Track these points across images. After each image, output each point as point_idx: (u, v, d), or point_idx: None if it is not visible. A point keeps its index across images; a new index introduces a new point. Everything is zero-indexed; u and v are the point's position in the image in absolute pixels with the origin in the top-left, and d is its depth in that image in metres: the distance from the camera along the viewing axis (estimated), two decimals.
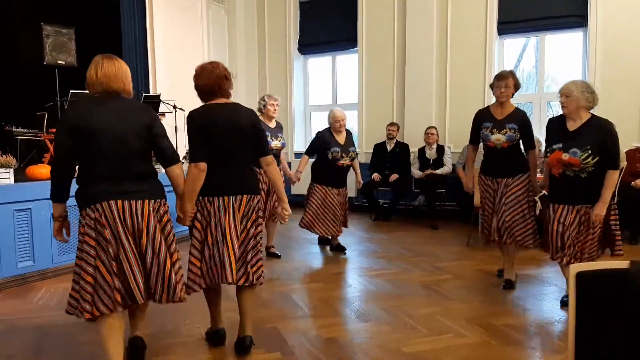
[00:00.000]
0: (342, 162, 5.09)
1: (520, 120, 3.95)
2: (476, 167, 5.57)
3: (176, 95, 7.07)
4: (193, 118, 2.80)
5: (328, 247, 5.51)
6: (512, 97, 3.99)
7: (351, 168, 5.27)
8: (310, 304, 3.77)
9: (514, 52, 8.00)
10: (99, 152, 2.49)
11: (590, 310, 1.48)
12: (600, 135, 3.35)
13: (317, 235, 5.60)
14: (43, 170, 4.72)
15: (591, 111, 3.54)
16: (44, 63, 7.02)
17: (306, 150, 5.33)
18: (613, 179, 3.36)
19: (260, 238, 2.95)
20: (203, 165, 2.74)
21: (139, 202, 2.54)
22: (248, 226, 2.86)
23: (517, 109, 4.03)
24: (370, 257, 5.17)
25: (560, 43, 7.30)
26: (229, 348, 2.98)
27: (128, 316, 2.82)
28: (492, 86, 4.01)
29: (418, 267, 4.73)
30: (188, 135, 2.81)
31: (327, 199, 5.12)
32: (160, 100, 6.79)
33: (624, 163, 5.54)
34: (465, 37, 7.34)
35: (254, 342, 2.92)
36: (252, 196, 2.88)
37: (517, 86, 3.97)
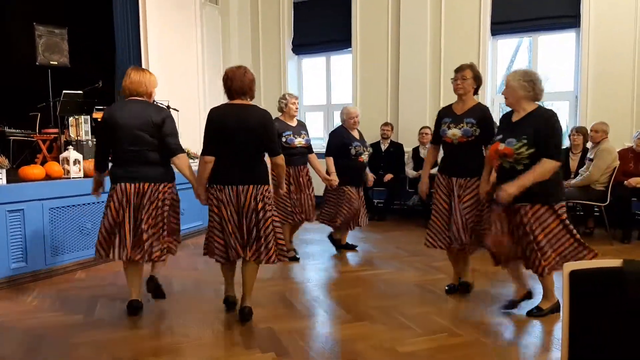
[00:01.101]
0: (363, 157, 5.08)
1: (480, 114, 3.66)
2: None
3: (170, 96, 7.04)
4: (210, 116, 3.32)
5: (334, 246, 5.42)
6: (473, 91, 3.73)
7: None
8: (305, 303, 3.77)
9: (507, 52, 8.04)
10: (119, 143, 3.37)
11: (583, 309, 1.49)
12: (537, 124, 3.14)
13: (328, 235, 5.50)
14: (36, 170, 4.69)
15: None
16: (37, 63, 6.98)
17: (327, 151, 5.13)
18: (544, 167, 3.08)
19: (272, 221, 3.33)
20: (209, 158, 3.28)
21: (144, 184, 3.39)
22: (258, 210, 3.28)
23: (479, 104, 3.77)
24: (365, 256, 5.18)
25: (553, 43, 7.33)
26: (225, 347, 2.97)
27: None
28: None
29: (413, 267, 4.74)
30: (204, 130, 3.33)
31: (357, 201, 5.07)
32: (154, 101, 6.77)
33: (616, 162, 5.57)
34: (458, 38, 7.37)
35: (252, 312, 3.38)
36: (259, 186, 3.30)
37: (477, 79, 3.69)
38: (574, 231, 3.20)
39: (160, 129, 3.37)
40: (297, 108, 5.00)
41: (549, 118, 3.18)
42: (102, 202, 4.91)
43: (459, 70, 3.71)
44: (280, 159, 3.44)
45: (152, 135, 3.35)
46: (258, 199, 3.28)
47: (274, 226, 3.35)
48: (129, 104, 3.42)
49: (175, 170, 3.56)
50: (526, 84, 3.18)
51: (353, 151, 5.00)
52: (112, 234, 3.43)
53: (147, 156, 3.38)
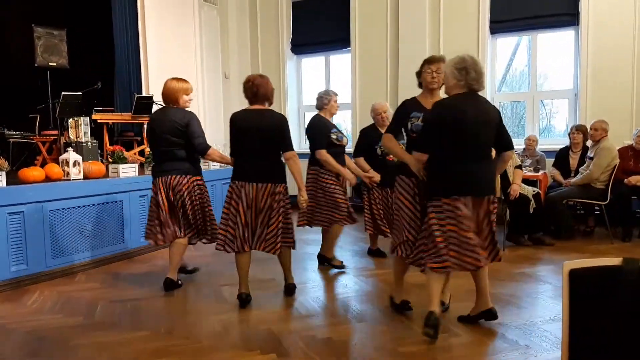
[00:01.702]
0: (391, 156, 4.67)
1: None
2: None
3: None
4: (232, 120, 3.73)
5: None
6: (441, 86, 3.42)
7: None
8: (306, 304, 3.77)
9: (507, 51, 8.04)
10: (154, 144, 4.13)
11: (583, 307, 1.49)
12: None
13: (369, 246, 5.31)
14: (35, 172, 4.69)
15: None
16: (36, 65, 6.99)
17: (355, 151, 4.94)
18: (408, 155, 3.20)
19: (286, 215, 3.72)
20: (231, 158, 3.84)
21: (172, 177, 4.00)
22: (274, 206, 3.62)
23: (443, 99, 3.31)
24: (366, 257, 5.17)
25: (552, 41, 7.33)
26: (225, 349, 2.97)
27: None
28: (419, 73, 3.44)
29: (413, 267, 4.72)
30: (229, 133, 3.75)
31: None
32: (153, 102, 6.77)
33: (616, 160, 5.57)
34: (457, 36, 7.37)
35: (295, 287, 4.00)
36: (276, 184, 3.63)
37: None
38: None
39: (184, 131, 3.97)
40: (338, 106, 4.78)
41: (432, 109, 3.12)
42: (100, 204, 4.93)
43: (432, 61, 3.34)
44: (292, 153, 3.72)
45: (177, 136, 3.97)
46: (275, 196, 3.62)
47: (286, 219, 3.73)
48: (162, 111, 4.17)
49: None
50: (457, 72, 3.01)
51: (379, 151, 4.75)
52: (159, 220, 4.06)
53: (174, 154, 4.00)
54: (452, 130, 2.96)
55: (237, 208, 3.64)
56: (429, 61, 3.40)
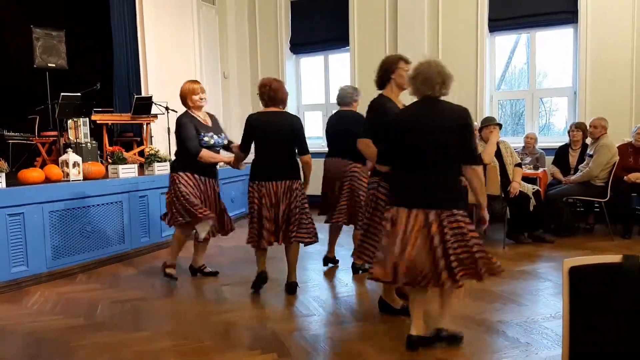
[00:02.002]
0: None
1: None
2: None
3: (168, 97, 7.03)
4: (250, 122, 3.89)
5: None
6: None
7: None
8: (307, 304, 3.77)
9: (506, 49, 8.04)
10: None
11: (583, 305, 1.49)
12: None
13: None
14: (35, 174, 4.68)
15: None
16: (34, 66, 6.98)
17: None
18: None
19: (304, 210, 3.89)
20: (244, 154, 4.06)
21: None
22: (291, 201, 3.83)
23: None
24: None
25: (551, 39, 7.33)
26: (226, 348, 2.97)
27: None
28: (388, 70, 3.31)
29: None
30: (244, 132, 3.93)
31: None
32: (152, 102, 6.77)
33: (616, 158, 5.57)
34: (456, 35, 7.36)
35: (298, 285, 4.05)
36: (292, 180, 3.85)
37: None
38: None
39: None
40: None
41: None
42: (100, 205, 4.93)
43: (409, 62, 3.30)
44: (309, 157, 3.97)
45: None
46: (292, 192, 3.85)
47: (304, 212, 3.90)
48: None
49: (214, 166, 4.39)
50: (409, 80, 2.95)
51: None
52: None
53: None
54: (390, 138, 2.90)
55: (260, 206, 3.84)
56: (406, 60, 3.33)
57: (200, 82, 4.36)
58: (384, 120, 3.07)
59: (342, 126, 4.59)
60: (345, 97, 4.67)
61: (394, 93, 3.33)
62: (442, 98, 2.85)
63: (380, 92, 3.37)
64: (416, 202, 2.77)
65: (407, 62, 3.31)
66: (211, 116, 4.42)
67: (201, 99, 4.23)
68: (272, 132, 3.82)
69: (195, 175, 4.18)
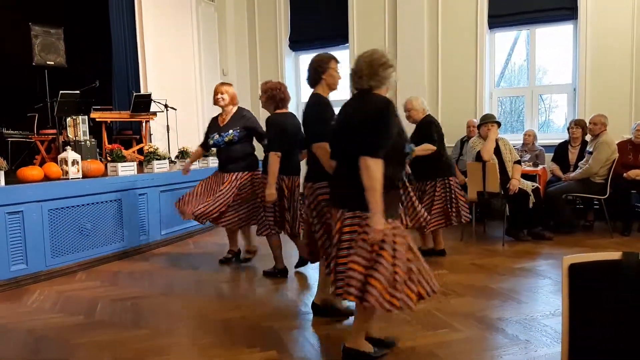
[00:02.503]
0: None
1: None
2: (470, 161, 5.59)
3: (167, 94, 7.03)
4: (277, 122, 4.10)
5: None
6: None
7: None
8: (306, 301, 3.77)
9: (505, 45, 8.03)
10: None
11: (583, 301, 1.49)
12: None
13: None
14: (34, 171, 4.68)
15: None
16: (33, 64, 6.97)
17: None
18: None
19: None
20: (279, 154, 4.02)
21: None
22: (296, 196, 4.17)
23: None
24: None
25: (551, 36, 7.32)
26: (226, 346, 2.97)
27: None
28: (318, 70, 3.22)
29: None
30: (273, 132, 4.08)
31: None
32: (152, 100, 6.76)
33: (615, 155, 5.56)
34: (456, 32, 7.35)
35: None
36: (298, 176, 4.19)
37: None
38: None
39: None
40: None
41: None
42: (99, 202, 4.92)
43: (339, 61, 3.29)
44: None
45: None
46: (298, 188, 4.21)
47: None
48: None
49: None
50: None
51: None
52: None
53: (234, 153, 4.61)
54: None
55: (282, 198, 4.14)
56: (337, 60, 3.28)
57: (227, 84, 4.72)
58: (332, 112, 3.11)
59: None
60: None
61: (325, 93, 3.22)
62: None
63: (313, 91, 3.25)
64: (334, 201, 2.68)
65: (337, 61, 3.23)
66: (236, 113, 4.65)
67: (217, 98, 4.58)
68: (295, 132, 4.10)
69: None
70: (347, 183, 2.53)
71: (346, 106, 2.74)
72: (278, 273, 4.40)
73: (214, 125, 4.64)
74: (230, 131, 4.51)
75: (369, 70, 2.57)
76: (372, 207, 2.37)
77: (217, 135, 4.53)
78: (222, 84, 4.66)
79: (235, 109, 4.64)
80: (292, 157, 4.17)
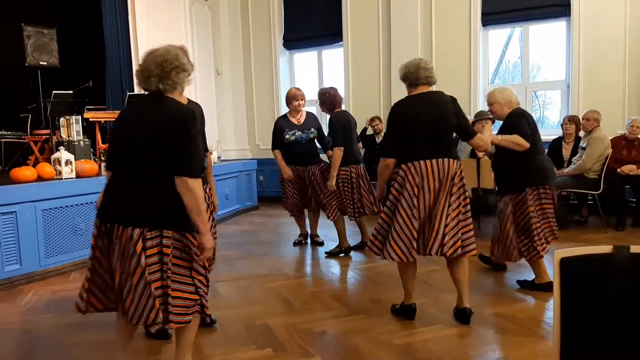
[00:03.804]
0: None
1: None
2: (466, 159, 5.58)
3: None
4: (344, 121, 4.77)
5: None
6: None
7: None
8: (301, 298, 3.77)
9: (499, 42, 8.04)
10: None
11: (574, 296, 1.49)
12: None
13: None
14: (28, 172, 4.66)
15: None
16: (26, 64, 6.93)
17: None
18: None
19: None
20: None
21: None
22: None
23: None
24: (361, 250, 5.18)
25: (544, 33, 7.34)
26: (221, 344, 2.97)
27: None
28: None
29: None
30: (335, 130, 4.71)
31: None
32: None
33: (609, 150, 5.59)
34: (449, 29, 7.36)
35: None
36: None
37: None
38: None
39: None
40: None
41: None
42: (93, 202, 4.89)
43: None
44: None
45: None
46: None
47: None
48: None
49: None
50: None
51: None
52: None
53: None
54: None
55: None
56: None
57: (301, 90, 5.20)
58: None
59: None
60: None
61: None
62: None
63: None
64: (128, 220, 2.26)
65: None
66: (309, 115, 5.23)
67: (298, 104, 5.10)
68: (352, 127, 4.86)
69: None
70: (148, 200, 2.24)
71: (135, 109, 2.41)
72: (342, 251, 4.98)
73: (288, 124, 5.05)
74: (312, 129, 5.07)
75: (159, 71, 2.30)
76: (203, 227, 2.25)
77: (300, 132, 5.01)
78: (299, 89, 5.15)
79: (305, 111, 5.20)
80: (351, 149, 4.74)
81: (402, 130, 3.16)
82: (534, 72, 7.64)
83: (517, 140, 3.57)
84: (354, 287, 4.06)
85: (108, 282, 2.37)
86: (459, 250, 3.08)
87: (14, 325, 3.40)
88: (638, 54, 6.44)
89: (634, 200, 5.89)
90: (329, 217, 4.89)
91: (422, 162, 3.07)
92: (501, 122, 3.81)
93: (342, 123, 4.68)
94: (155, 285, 2.21)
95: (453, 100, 3.27)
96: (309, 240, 5.54)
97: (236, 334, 3.15)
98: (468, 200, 3.18)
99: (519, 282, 3.86)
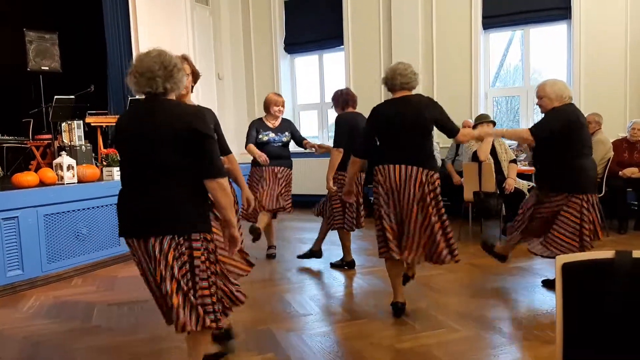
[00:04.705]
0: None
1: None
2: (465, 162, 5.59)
3: None
4: (344, 121, 4.44)
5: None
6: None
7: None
8: (303, 303, 3.77)
9: (500, 46, 8.05)
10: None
11: (577, 300, 1.49)
12: None
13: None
14: (29, 177, 4.67)
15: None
16: (28, 69, 6.96)
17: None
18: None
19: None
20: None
21: None
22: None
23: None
24: (362, 254, 5.17)
25: (545, 36, 7.34)
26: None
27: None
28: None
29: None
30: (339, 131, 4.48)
31: None
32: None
33: (610, 153, 5.58)
34: (450, 33, 7.37)
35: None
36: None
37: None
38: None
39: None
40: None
41: None
42: (95, 207, 4.91)
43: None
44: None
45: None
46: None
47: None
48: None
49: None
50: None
51: None
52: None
53: None
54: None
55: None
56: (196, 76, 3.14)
57: (281, 96, 5.23)
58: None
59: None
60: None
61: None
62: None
63: None
64: (139, 229, 2.24)
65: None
66: (284, 120, 5.24)
67: (277, 110, 5.08)
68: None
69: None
70: (157, 205, 2.19)
71: (141, 115, 2.27)
72: (345, 265, 4.75)
73: (263, 126, 5.08)
74: (287, 133, 5.13)
75: (164, 72, 2.25)
76: (234, 220, 2.31)
77: (273, 134, 5.04)
78: (280, 96, 5.20)
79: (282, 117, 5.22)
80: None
81: (372, 131, 3.37)
82: (535, 75, 7.64)
83: (521, 134, 3.49)
84: (356, 292, 4.05)
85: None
86: (446, 259, 3.24)
87: (16, 330, 3.40)
88: (639, 56, 6.43)
89: (636, 203, 5.88)
90: (328, 227, 4.66)
91: (390, 166, 3.22)
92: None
93: (348, 124, 4.38)
94: (186, 288, 2.20)
95: (430, 102, 3.32)
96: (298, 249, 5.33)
97: (239, 338, 3.14)
98: (443, 211, 3.23)
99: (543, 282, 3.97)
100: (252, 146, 4.99)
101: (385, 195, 3.24)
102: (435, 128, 3.34)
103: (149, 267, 2.26)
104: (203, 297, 2.23)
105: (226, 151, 3.08)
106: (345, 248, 4.69)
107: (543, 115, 3.55)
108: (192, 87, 3.00)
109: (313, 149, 5.00)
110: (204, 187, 2.22)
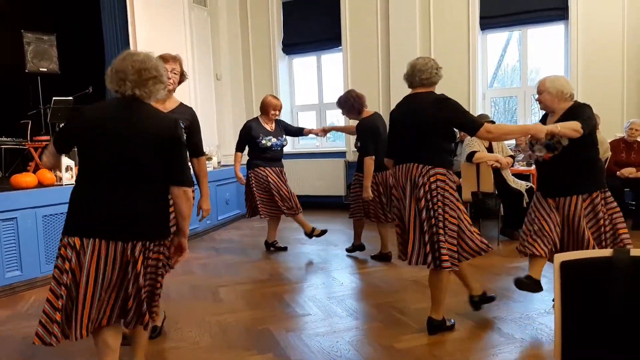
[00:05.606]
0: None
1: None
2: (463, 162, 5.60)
3: None
4: (368, 128, 4.72)
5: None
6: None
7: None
8: (302, 303, 3.77)
9: (498, 46, 8.06)
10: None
11: (575, 299, 1.50)
12: None
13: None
14: (28, 178, 4.66)
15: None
16: (26, 70, 6.95)
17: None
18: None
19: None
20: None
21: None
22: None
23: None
24: (361, 254, 5.18)
25: (543, 36, 7.36)
26: (222, 350, 2.97)
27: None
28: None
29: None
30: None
31: None
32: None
33: (608, 153, 5.60)
34: (448, 34, 7.38)
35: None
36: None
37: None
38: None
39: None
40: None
41: None
42: None
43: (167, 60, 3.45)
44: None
45: None
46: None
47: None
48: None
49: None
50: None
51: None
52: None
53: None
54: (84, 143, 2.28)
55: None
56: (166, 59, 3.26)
57: (279, 99, 5.45)
58: None
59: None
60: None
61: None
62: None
63: None
64: (114, 232, 2.22)
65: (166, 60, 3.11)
66: (279, 122, 5.49)
67: (274, 113, 5.32)
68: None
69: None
70: (132, 208, 2.20)
71: (114, 113, 2.24)
72: (355, 249, 5.18)
73: (263, 131, 5.23)
74: (284, 136, 5.34)
75: (136, 78, 2.19)
76: (187, 230, 2.42)
77: (275, 139, 5.22)
78: (278, 99, 5.38)
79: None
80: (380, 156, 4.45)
81: (390, 132, 3.38)
82: (532, 76, 7.66)
83: (574, 126, 3.10)
84: (355, 292, 4.06)
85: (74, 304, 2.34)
86: (431, 264, 2.96)
87: (16, 331, 3.39)
88: (636, 56, 6.46)
89: (634, 203, 5.90)
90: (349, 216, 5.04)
91: (397, 166, 3.20)
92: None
93: (370, 130, 4.67)
94: (144, 290, 2.30)
95: (438, 100, 3.07)
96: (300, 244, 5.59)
97: (237, 339, 3.15)
98: (442, 211, 2.94)
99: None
100: (239, 156, 5.26)
101: (396, 199, 3.24)
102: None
103: (95, 269, 2.20)
104: (155, 297, 2.42)
105: (200, 153, 3.14)
106: (357, 233, 5.12)
107: (550, 112, 3.41)
108: (175, 88, 3.27)
109: (317, 135, 5.43)
110: (168, 194, 2.30)
